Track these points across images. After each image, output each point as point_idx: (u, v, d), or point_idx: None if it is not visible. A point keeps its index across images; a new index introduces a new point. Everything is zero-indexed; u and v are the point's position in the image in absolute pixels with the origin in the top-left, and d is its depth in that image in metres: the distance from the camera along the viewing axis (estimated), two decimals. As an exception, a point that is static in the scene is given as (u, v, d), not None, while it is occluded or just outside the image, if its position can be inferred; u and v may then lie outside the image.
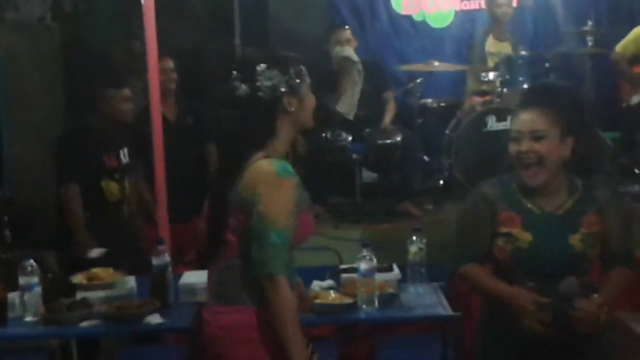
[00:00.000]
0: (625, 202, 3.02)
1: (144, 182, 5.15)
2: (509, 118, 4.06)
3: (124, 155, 4.82)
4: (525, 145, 2.87)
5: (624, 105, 6.80)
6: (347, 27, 6.75)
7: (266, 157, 2.69)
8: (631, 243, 3.09)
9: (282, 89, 2.71)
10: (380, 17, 7.75)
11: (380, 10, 7.80)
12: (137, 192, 5.07)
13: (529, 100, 2.98)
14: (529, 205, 2.93)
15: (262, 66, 2.70)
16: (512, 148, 2.91)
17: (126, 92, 4.75)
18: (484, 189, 3.01)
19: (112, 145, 4.78)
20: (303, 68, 2.76)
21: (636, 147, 6.79)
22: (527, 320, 2.81)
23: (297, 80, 2.73)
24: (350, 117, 6.37)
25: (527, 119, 2.89)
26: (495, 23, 6.95)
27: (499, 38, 6.94)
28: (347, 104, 6.40)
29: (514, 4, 7.69)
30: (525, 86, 6.39)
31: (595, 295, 2.85)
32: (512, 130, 2.93)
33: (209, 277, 2.82)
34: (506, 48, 6.92)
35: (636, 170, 6.65)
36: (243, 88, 2.72)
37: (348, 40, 6.51)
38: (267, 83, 2.70)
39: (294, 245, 2.67)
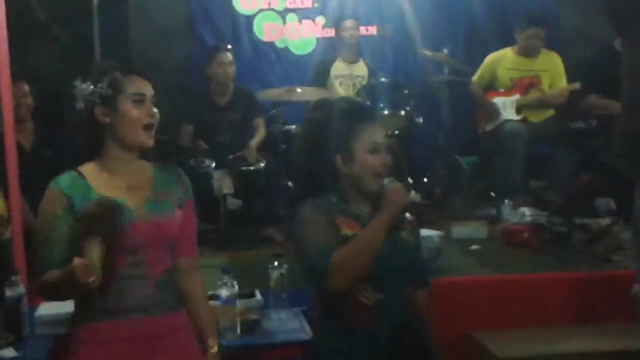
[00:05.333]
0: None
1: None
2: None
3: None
4: (385, 157, 2.94)
5: (480, 131, 7.03)
6: (229, 47, 6.75)
7: None
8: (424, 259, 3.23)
9: (94, 99, 2.59)
10: (243, 43, 7.79)
11: (243, 36, 7.84)
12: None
13: (374, 116, 3.18)
14: (356, 211, 2.95)
15: (78, 79, 2.63)
16: (373, 159, 2.93)
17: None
18: (312, 203, 2.93)
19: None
20: (123, 79, 2.61)
21: (492, 171, 7.03)
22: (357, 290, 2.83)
23: (110, 92, 2.58)
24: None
25: (380, 132, 2.99)
26: (343, 47, 7.16)
27: (348, 60, 7.13)
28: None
29: (374, 32, 7.91)
30: (385, 112, 6.55)
31: None
32: (370, 141, 2.94)
33: None
34: (357, 70, 7.10)
35: (492, 194, 6.87)
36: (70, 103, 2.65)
37: (230, 63, 6.53)
38: (80, 94, 2.60)
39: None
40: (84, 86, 2.62)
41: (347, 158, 2.94)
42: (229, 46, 6.83)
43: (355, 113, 3.03)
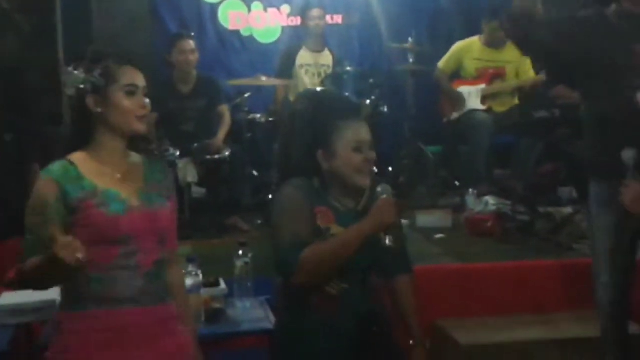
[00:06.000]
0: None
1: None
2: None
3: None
4: (369, 154, 2.94)
5: (445, 120, 7.06)
6: (192, 35, 6.72)
7: None
8: (406, 246, 3.23)
9: (86, 88, 2.56)
10: (208, 32, 7.76)
11: (208, 25, 7.81)
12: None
13: (359, 113, 3.11)
14: (335, 203, 2.96)
15: (70, 66, 2.60)
16: (356, 157, 2.92)
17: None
18: (295, 185, 2.95)
19: None
20: (117, 69, 2.59)
21: (456, 160, 7.06)
22: None
23: (103, 82, 2.56)
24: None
25: (364, 130, 2.97)
26: (309, 36, 7.14)
27: (314, 49, 7.12)
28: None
29: (339, 20, 7.91)
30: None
31: None
32: (353, 140, 2.94)
33: None
34: (322, 59, 7.10)
35: (456, 183, 6.90)
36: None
37: (192, 51, 6.49)
38: (71, 81, 2.57)
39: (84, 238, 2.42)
40: (75, 73, 2.59)
41: (329, 154, 2.94)
42: (192, 34, 6.79)
43: (339, 110, 3.03)
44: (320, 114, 3.02)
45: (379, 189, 2.89)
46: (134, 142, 2.67)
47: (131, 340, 2.57)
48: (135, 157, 2.70)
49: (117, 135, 2.60)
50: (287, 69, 7.05)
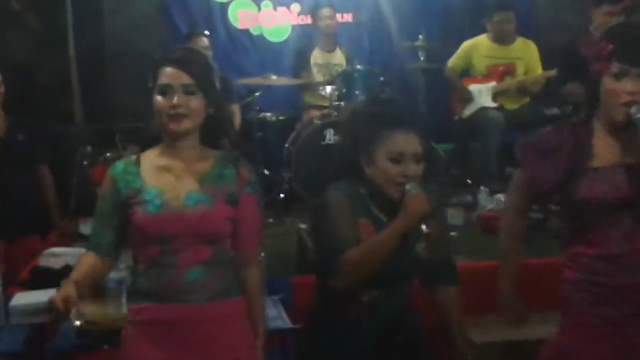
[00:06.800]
0: (443, 212, 3.09)
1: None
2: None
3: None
4: (409, 169, 2.87)
5: (457, 118, 7.04)
6: (206, 33, 6.72)
7: None
8: (452, 255, 3.18)
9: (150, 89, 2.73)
10: (218, 31, 7.77)
11: (218, 24, 7.82)
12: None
13: (408, 123, 2.98)
14: (379, 215, 2.93)
15: None
16: (393, 169, 2.86)
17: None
18: (343, 190, 2.93)
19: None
20: (158, 70, 2.68)
21: (468, 158, 7.04)
22: None
23: (151, 83, 2.69)
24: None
25: (409, 141, 2.89)
26: (321, 36, 7.12)
27: (327, 49, 7.10)
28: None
29: (350, 19, 7.90)
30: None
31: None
32: (393, 151, 2.87)
33: None
34: (335, 58, 7.09)
35: (468, 181, 6.89)
36: None
37: (207, 48, 6.51)
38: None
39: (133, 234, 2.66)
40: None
41: (369, 161, 2.91)
42: (206, 32, 6.81)
43: (384, 118, 2.97)
44: (369, 118, 2.99)
45: (407, 187, 2.84)
46: (209, 137, 2.73)
47: (179, 337, 2.63)
48: (208, 154, 2.73)
49: (166, 133, 2.67)
50: (303, 68, 7.03)
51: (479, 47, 6.96)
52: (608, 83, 2.62)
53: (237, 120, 6.61)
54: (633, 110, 2.57)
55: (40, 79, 7.04)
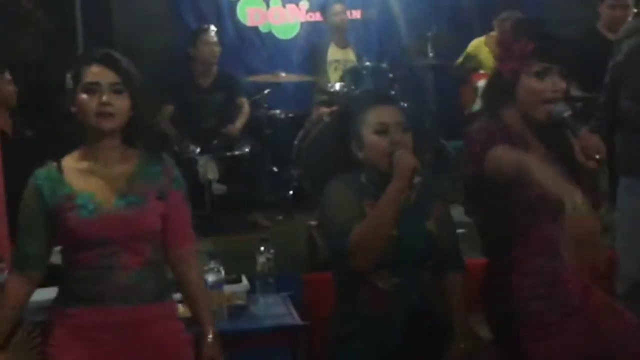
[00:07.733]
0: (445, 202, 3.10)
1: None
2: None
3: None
4: (396, 136, 2.89)
5: (466, 113, 7.02)
6: (214, 29, 6.73)
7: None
8: (458, 244, 3.17)
9: (67, 91, 2.65)
10: (226, 28, 7.75)
11: (226, 21, 7.80)
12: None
13: (385, 98, 3.12)
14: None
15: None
16: (380, 140, 2.88)
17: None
18: (343, 179, 2.94)
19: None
20: (82, 69, 2.62)
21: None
22: None
23: (72, 83, 2.63)
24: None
25: (389, 112, 2.94)
26: (334, 31, 7.11)
27: (340, 45, 7.09)
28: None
29: (358, 16, 7.88)
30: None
31: None
32: (376, 123, 2.90)
33: None
34: (349, 55, 7.08)
35: (478, 177, 6.86)
36: None
37: (216, 43, 6.53)
38: (67, 85, 2.66)
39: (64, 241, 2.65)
40: (67, 76, 2.66)
41: (359, 144, 2.93)
42: (214, 27, 6.81)
43: (365, 99, 3.03)
44: (350, 106, 3.04)
45: (396, 154, 2.84)
46: (131, 138, 2.69)
47: (118, 338, 2.61)
48: (131, 154, 2.70)
49: (90, 133, 2.63)
50: (319, 66, 7.01)
51: (485, 44, 6.95)
52: (528, 81, 2.61)
53: (245, 111, 6.63)
54: (557, 108, 2.58)
55: (48, 77, 7.04)
